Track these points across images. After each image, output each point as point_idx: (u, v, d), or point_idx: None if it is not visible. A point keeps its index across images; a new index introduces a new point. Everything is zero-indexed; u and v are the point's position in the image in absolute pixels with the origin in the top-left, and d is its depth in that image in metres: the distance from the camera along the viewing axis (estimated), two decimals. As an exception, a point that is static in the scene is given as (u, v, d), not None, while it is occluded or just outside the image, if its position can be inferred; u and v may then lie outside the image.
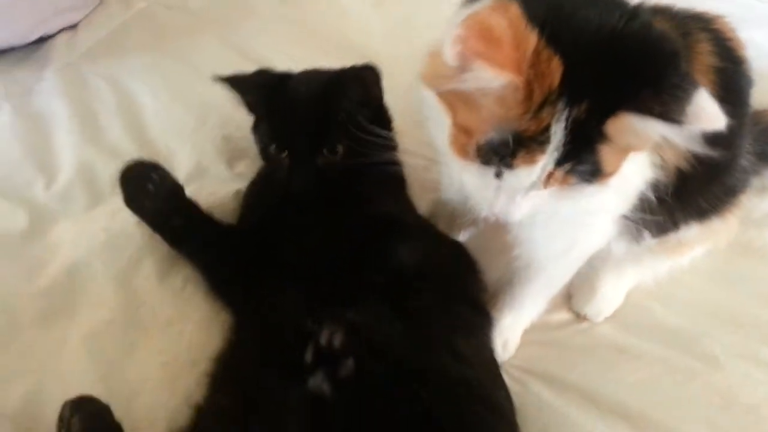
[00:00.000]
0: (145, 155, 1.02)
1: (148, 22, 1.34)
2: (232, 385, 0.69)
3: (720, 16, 0.70)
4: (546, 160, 0.53)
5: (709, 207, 0.75)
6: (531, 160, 0.53)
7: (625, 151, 0.56)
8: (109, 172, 0.99)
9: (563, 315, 0.85)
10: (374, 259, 0.73)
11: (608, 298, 0.84)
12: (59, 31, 1.29)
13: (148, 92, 1.15)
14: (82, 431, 0.65)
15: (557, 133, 0.52)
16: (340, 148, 0.79)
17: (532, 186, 0.56)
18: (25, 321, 0.80)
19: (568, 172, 0.55)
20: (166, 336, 0.79)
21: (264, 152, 0.85)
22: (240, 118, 1.10)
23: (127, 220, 0.89)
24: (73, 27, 1.31)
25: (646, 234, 0.74)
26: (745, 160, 0.75)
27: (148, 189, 0.81)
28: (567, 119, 0.52)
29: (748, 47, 0.71)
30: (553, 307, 0.84)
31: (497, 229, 0.77)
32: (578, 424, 0.72)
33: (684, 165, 0.64)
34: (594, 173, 0.55)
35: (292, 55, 1.18)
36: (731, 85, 0.66)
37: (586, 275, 0.82)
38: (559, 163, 0.54)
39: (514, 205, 0.58)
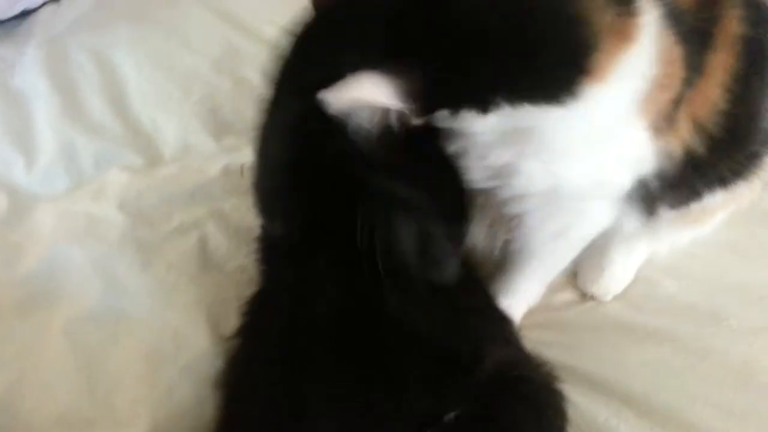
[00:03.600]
0: (130, 132, 1.00)
1: (134, -9, 1.29)
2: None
3: None
4: None
5: (733, 174, 0.69)
6: None
7: None
8: (91, 151, 0.97)
9: (568, 295, 0.80)
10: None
11: (617, 275, 0.79)
12: (43, 5, 1.25)
13: (132, 64, 1.11)
14: None
15: None
16: None
17: None
18: (4, 309, 0.78)
19: None
20: (148, 326, 0.76)
21: None
22: (227, 89, 1.07)
23: (109, 204, 0.87)
24: (56, 0, 1.26)
25: (663, 207, 0.68)
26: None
27: None
28: None
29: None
30: (557, 286, 0.79)
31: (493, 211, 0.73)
32: (581, 410, 0.67)
33: (694, 144, 0.59)
34: None
35: (283, 23, 1.13)
36: (761, 53, 0.60)
37: (594, 251, 0.77)
38: None
39: None
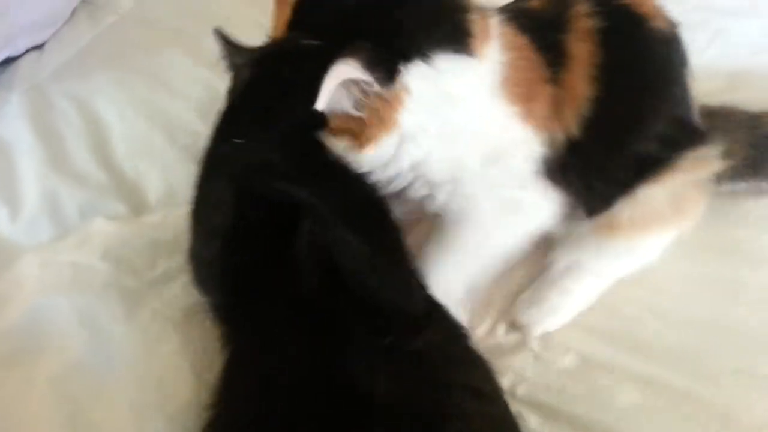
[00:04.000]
0: (114, 180, 1.01)
1: (117, 39, 1.31)
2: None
3: None
4: None
5: (628, 176, 0.73)
6: None
7: None
8: (75, 201, 0.98)
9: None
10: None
11: (550, 310, 0.81)
12: (26, 52, 1.26)
13: (114, 112, 1.11)
14: None
15: None
16: None
17: None
18: (-12, 364, 0.78)
19: None
20: (133, 375, 0.76)
21: None
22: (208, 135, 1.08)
23: (93, 253, 0.87)
24: (39, 47, 1.28)
25: (579, 213, 0.75)
26: (669, 129, 0.73)
27: None
28: None
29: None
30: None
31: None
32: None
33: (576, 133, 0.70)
34: None
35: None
36: (627, 46, 0.72)
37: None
38: None
39: None
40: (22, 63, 1.25)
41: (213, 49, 1.23)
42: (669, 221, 0.76)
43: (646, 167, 0.73)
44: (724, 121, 0.84)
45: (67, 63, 1.25)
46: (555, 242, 0.84)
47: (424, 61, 0.64)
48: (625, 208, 0.74)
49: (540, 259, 0.85)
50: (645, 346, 0.78)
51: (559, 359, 0.77)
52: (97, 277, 0.85)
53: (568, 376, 0.76)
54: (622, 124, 0.72)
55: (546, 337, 0.80)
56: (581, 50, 0.70)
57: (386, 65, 0.62)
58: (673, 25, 0.76)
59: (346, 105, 0.64)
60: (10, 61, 1.25)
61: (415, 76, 0.64)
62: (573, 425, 0.71)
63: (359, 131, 0.66)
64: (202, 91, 1.16)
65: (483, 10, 0.70)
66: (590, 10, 0.71)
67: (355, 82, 0.62)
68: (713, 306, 0.81)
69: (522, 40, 0.70)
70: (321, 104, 0.61)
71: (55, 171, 1.02)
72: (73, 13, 1.35)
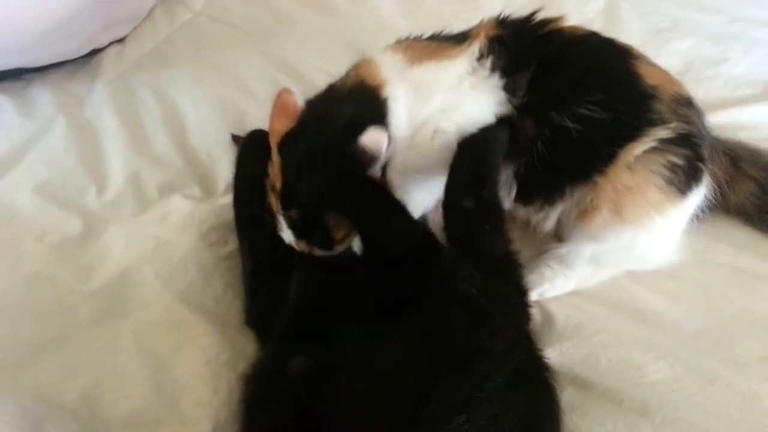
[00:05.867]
0: (189, 165, 1.10)
1: (191, 35, 1.42)
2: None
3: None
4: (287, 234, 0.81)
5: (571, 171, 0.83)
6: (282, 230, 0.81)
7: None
8: (155, 181, 1.07)
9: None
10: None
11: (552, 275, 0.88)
12: (109, 44, 1.37)
13: (190, 103, 1.22)
14: None
15: (282, 223, 0.80)
16: None
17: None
18: (81, 320, 0.87)
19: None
20: (208, 336, 0.84)
21: None
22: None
23: (172, 228, 0.96)
24: (121, 40, 1.39)
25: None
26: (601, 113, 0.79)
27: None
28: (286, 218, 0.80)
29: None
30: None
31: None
32: (599, 421, 0.75)
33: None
34: (327, 243, 0.80)
35: (329, 69, 1.25)
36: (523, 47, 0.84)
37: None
38: (297, 237, 0.80)
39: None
40: (106, 55, 1.35)
41: (279, 48, 1.34)
42: (630, 210, 0.81)
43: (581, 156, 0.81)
44: (751, 166, 0.89)
45: (146, 56, 1.36)
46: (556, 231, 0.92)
47: None
48: (587, 195, 0.82)
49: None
50: (673, 330, 0.83)
51: (594, 336, 0.83)
52: (178, 249, 0.93)
53: (602, 352, 0.81)
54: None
55: (580, 317, 0.86)
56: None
57: None
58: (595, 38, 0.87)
59: None
60: (94, 52, 1.35)
61: None
62: (605, 397, 0.76)
63: None
64: (268, 87, 1.25)
65: None
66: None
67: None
68: (738, 297, 0.86)
69: None
70: None
71: (138, 153, 1.12)
72: (151, 10, 1.45)
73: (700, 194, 0.84)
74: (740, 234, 0.89)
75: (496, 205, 0.76)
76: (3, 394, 0.77)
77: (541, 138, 0.80)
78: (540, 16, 0.88)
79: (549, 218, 0.89)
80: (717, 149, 0.86)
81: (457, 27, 1.32)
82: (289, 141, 0.82)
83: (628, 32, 1.30)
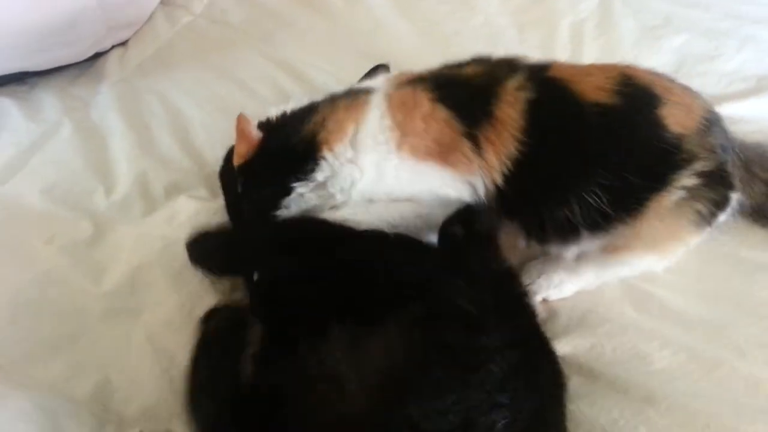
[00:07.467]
0: (195, 166, 1.12)
1: (192, 37, 1.43)
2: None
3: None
4: None
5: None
6: None
7: None
8: (161, 182, 1.08)
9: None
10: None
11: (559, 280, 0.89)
12: (111, 48, 1.38)
13: (193, 104, 1.23)
14: None
15: None
16: None
17: None
18: (93, 319, 0.88)
19: None
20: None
21: None
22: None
23: (180, 228, 0.97)
24: (123, 44, 1.40)
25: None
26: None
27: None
28: None
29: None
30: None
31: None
32: (605, 409, 0.76)
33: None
34: None
35: (327, 68, 1.27)
36: (547, 115, 0.80)
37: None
38: None
39: None
40: (109, 58, 1.36)
41: (278, 48, 1.36)
42: (656, 248, 0.84)
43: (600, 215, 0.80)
44: (760, 169, 0.89)
45: (148, 59, 1.37)
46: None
47: None
48: (610, 238, 0.82)
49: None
50: (676, 319, 0.85)
51: (598, 327, 0.85)
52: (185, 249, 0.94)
53: (607, 342, 0.83)
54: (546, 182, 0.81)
55: (584, 308, 0.88)
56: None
57: None
58: (619, 99, 0.80)
59: None
60: (97, 56, 1.36)
61: None
62: (611, 386, 0.78)
63: None
64: (269, 87, 1.27)
65: None
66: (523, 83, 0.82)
67: None
68: (739, 286, 0.88)
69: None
70: None
71: (144, 155, 1.13)
72: (152, 14, 1.46)
73: (727, 213, 0.84)
74: (740, 224, 0.91)
75: (488, 234, 0.79)
76: (19, 389, 0.79)
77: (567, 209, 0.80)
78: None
79: (564, 252, 0.88)
80: (737, 152, 0.85)
81: (452, 27, 1.37)
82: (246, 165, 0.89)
83: (621, 30, 1.32)
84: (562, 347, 0.81)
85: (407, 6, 1.46)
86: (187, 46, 1.40)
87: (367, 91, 0.88)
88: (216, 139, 1.16)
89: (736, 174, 0.83)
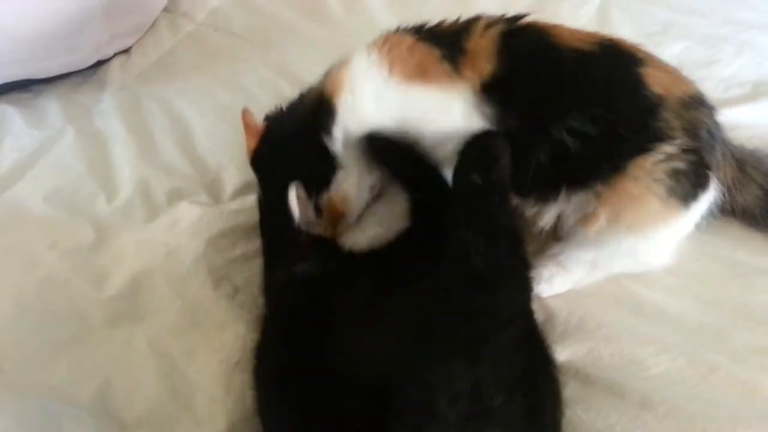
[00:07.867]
0: (197, 172, 1.13)
1: (195, 45, 1.44)
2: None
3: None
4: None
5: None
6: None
7: None
8: (163, 188, 1.09)
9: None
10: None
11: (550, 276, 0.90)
12: (114, 56, 1.39)
13: (196, 112, 1.24)
14: None
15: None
16: None
17: None
18: (95, 324, 0.89)
19: None
20: (221, 337, 0.87)
21: None
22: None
23: (182, 234, 0.98)
24: (126, 51, 1.41)
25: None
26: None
27: None
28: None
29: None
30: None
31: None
32: (602, 414, 0.77)
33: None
34: None
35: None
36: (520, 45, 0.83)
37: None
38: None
39: None
40: (111, 66, 1.38)
41: (280, 56, 1.37)
42: (629, 219, 0.82)
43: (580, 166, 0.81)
44: (755, 171, 0.90)
45: (151, 67, 1.38)
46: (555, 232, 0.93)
47: None
48: (588, 202, 0.82)
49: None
50: (673, 324, 0.85)
51: (595, 332, 0.85)
52: (188, 254, 0.95)
53: (604, 346, 0.83)
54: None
55: (581, 313, 0.88)
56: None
57: None
58: (598, 49, 0.83)
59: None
60: (100, 63, 1.38)
61: None
62: (608, 391, 0.79)
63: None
64: (271, 95, 1.28)
65: None
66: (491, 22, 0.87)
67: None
68: (736, 290, 0.88)
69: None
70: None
71: (146, 161, 1.14)
72: (155, 21, 1.48)
73: (706, 200, 0.84)
74: (736, 228, 0.92)
75: (504, 184, 0.79)
76: (21, 393, 0.80)
77: (541, 150, 0.81)
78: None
79: (543, 215, 0.88)
80: (729, 150, 0.86)
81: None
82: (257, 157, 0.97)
83: (619, 36, 1.33)
84: (559, 352, 0.81)
85: (408, 14, 1.46)
86: (190, 54, 1.41)
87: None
88: (218, 146, 1.17)
89: (725, 167, 0.84)
